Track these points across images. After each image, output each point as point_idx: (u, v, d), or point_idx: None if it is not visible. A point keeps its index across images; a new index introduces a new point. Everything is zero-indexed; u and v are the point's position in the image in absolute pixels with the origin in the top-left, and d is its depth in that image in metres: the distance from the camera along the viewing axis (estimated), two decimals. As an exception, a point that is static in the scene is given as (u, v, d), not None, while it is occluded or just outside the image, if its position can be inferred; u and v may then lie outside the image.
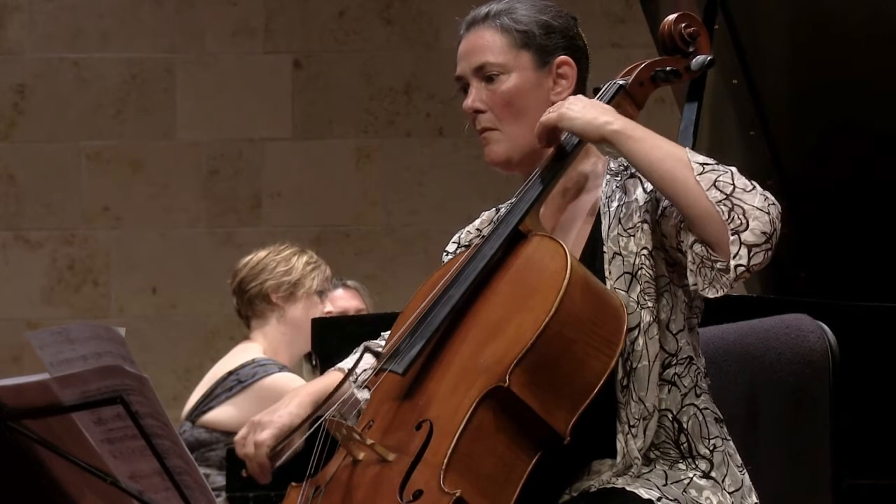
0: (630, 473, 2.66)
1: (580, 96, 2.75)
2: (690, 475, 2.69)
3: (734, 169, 2.64)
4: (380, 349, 2.75)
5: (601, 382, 2.59)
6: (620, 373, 2.66)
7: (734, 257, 2.58)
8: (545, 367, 2.56)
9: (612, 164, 2.84)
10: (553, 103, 2.80)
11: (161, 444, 2.37)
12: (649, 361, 2.67)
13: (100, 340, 2.33)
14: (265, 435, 2.73)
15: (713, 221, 2.60)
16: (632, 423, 2.66)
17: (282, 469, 2.77)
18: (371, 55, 7.30)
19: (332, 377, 2.81)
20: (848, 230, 4.30)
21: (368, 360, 2.80)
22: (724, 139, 4.43)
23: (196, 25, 7.31)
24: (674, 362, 2.71)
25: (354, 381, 2.81)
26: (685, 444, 2.71)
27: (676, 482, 2.67)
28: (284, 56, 7.33)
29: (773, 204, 2.62)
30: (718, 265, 2.60)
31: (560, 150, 2.77)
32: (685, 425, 2.71)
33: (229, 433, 4.71)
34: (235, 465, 4.36)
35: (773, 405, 2.91)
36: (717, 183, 2.60)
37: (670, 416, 2.70)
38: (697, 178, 2.61)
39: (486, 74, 2.81)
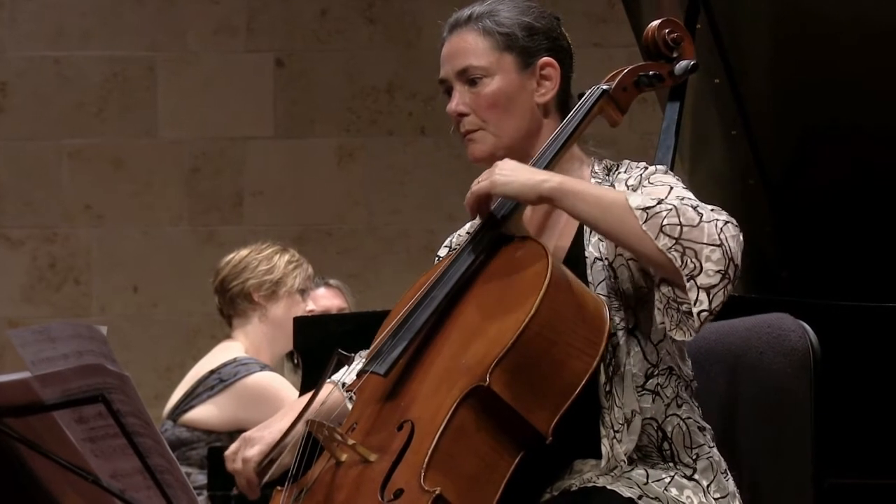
0: (612, 474, 2.66)
1: (507, 160, 2.69)
2: (672, 474, 2.70)
3: (676, 203, 2.59)
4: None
5: (583, 383, 2.59)
6: (603, 378, 2.66)
7: (695, 304, 2.55)
8: (526, 367, 2.56)
9: (596, 167, 2.83)
10: (538, 104, 2.81)
11: (143, 442, 2.37)
12: (630, 366, 2.67)
13: (81, 339, 2.33)
14: (254, 451, 2.75)
15: (668, 269, 2.57)
16: (616, 428, 2.66)
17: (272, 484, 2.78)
18: (353, 54, 7.30)
19: (327, 393, 2.81)
20: (830, 229, 4.30)
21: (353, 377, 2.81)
22: (706, 139, 4.43)
23: (178, 24, 7.29)
24: (655, 373, 2.71)
25: (348, 395, 2.82)
26: (668, 451, 2.72)
27: (657, 481, 2.68)
28: (266, 55, 7.32)
29: (726, 223, 2.58)
30: (684, 307, 2.57)
31: (490, 218, 2.73)
32: (669, 434, 2.71)
33: (211, 432, 4.71)
34: (217, 464, 4.35)
35: (754, 405, 2.90)
36: (663, 228, 2.55)
37: (655, 424, 2.71)
38: (643, 226, 2.56)
39: (470, 78, 2.80)
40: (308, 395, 2.77)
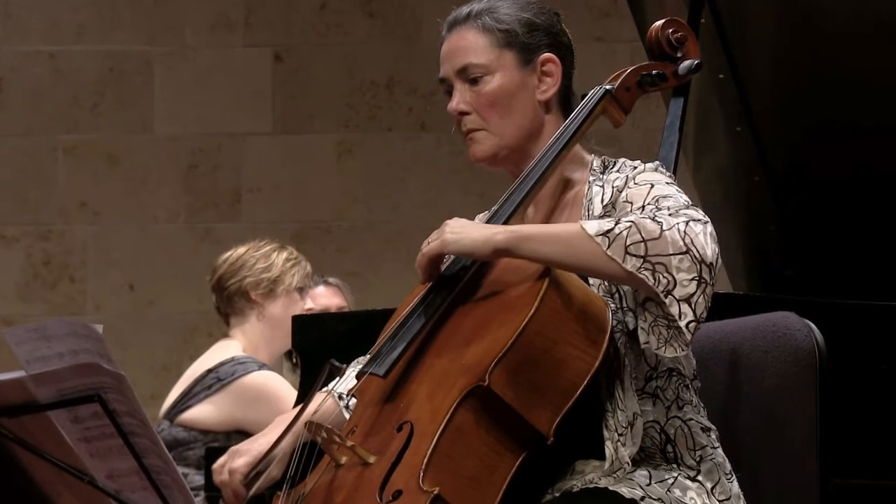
0: (615, 475, 2.64)
1: (455, 218, 2.66)
2: (675, 475, 2.69)
3: (634, 218, 2.54)
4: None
5: (584, 383, 2.57)
6: (605, 380, 2.64)
7: (680, 318, 2.51)
8: (526, 367, 2.54)
9: (595, 164, 2.82)
10: (540, 102, 2.80)
11: (139, 442, 2.36)
12: (630, 369, 2.66)
13: (77, 337, 2.31)
14: (241, 462, 2.75)
15: (644, 288, 2.53)
16: (620, 431, 2.64)
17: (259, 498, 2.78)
18: (352, 49, 7.29)
19: (318, 403, 2.80)
20: (835, 227, 4.29)
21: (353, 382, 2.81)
22: (710, 135, 4.43)
23: (175, 18, 7.28)
24: (654, 375, 2.69)
25: (343, 404, 2.83)
26: (671, 453, 2.70)
27: (661, 482, 2.66)
28: (264, 49, 7.31)
29: (688, 224, 2.52)
30: (674, 324, 2.52)
31: (442, 279, 2.70)
32: (672, 437, 2.70)
33: (208, 432, 4.70)
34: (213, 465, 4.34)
35: (759, 404, 2.89)
36: (628, 249, 2.51)
37: (657, 427, 2.69)
38: (607, 252, 2.51)
39: (470, 77, 2.79)
40: (299, 408, 2.75)
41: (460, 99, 2.79)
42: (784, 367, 2.85)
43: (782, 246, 4.35)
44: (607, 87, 2.80)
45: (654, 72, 2.82)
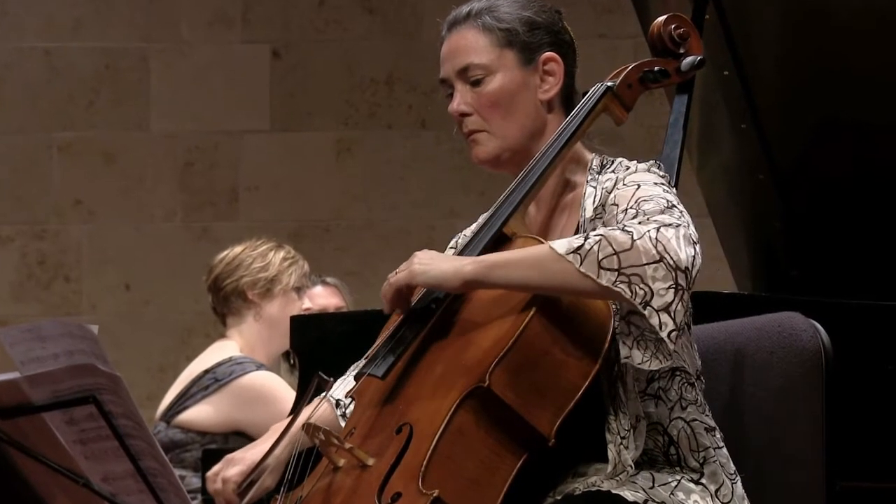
0: (617, 478, 2.62)
1: (424, 250, 2.64)
2: (678, 478, 2.67)
3: (603, 231, 2.51)
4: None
5: (586, 384, 2.55)
6: (606, 382, 2.62)
7: (661, 328, 2.48)
8: (527, 368, 2.53)
9: (594, 163, 2.79)
10: (542, 101, 2.79)
11: (135, 444, 2.35)
12: (633, 370, 2.62)
13: (72, 338, 2.30)
14: (234, 471, 2.74)
15: (621, 301, 2.50)
16: (623, 435, 2.62)
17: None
18: (352, 45, 7.28)
19: (314, 408, 2.78)
20: (841, 226, 4.29)
21: (348, 388, 2.80)
22: (714, 132, 4.42)
23: (171, 14, 7.27)
24: (656, 376, 2.67)
25: (340, 412, 2.82)
26: (674, 455, 2.69)
27: (664, 485, 2.65)
28: (262, 46, 7.30)
29: (659, 230, 2.48)
30: (657, 335, 2.50)
31: (414, 312, 2.68)
32: (675, 438, 2.68)
33: (205, 433, 4.69)
34: (211, 467, 4.32)
35: (764, 405, 2.87)
36: (601, 264, 2.47)
37: (661, 428, 2.67)
38: (580, 269, 2.48)
39: (471, 78, 2.77)
40: (292, 416, 2.74)
41: (461, 100, 2.78)
42: (789, 368, 2.84)
43: (787, 245, 4.36)
44: (609, 83, 2.79)
45: (656, 68, 2.81)
